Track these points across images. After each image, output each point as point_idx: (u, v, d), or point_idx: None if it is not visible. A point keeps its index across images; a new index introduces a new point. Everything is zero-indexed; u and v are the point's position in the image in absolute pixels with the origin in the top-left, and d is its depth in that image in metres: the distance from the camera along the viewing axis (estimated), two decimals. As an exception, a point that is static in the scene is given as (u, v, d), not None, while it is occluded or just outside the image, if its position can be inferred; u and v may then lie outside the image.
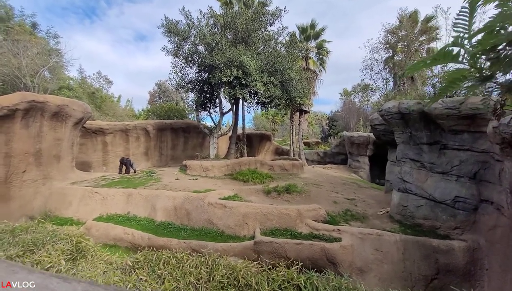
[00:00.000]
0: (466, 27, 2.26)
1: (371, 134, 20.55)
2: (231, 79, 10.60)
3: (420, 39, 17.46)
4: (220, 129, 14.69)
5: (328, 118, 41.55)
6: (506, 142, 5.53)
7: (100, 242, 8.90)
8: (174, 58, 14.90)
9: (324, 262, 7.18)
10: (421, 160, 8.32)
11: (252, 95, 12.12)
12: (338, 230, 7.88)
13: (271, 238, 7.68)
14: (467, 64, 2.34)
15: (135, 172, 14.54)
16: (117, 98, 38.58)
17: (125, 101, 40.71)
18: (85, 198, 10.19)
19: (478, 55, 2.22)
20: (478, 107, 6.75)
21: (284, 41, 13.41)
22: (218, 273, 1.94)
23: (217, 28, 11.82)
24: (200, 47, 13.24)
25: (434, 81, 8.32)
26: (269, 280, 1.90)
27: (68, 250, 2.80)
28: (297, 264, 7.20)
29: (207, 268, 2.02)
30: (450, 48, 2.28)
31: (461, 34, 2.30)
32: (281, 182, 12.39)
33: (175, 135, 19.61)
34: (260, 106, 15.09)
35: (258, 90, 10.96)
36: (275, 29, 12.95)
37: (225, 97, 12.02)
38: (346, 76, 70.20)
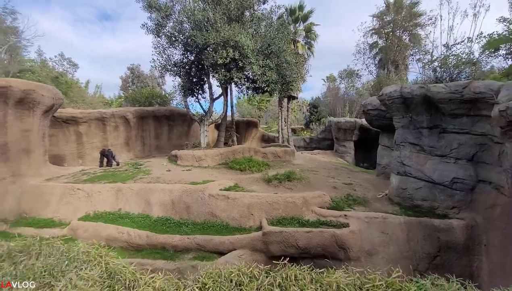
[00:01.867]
0: None
1: (358, 120, 21.05)
2: (227, 61, 9.76)
3: (406, 25, 17.73)
4: (211, 117, 13.87)
5: (309, 104, 41.81)
6: (513, 125, 5.71)
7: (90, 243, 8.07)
8: (155, 37, 13.49)
9: (335, 248, 7.20)
10: (421, 143, 8.52)
11: (246, 80, 11.42)
12: (345, 215, 7.92)
13: (281, 227, 7.49)
14: None
15: (118, 165, 13.37)
16: (85, 83, 34.87)
17: (93, 87, 36.93)
18: (66, 196, 9.09)
19: None
20: (481, 92, 6.92)
21: (275, 22, 12.64)
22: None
23: (207, 4, 10.72)
24: (186, 25, 12.03)
25: (435, 66, 8.37)
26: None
27: (100, 278, 2.14)
28: (307, 253, 7.19)
29: (298, 287, 1.64)
30: None
31: None
32: (277, 169, 12.18)
33: (158, 123, 18.27)
34: (251, 91, 14.41)
35: (255, 74, 10.30)
36: (268, 8, 12.15)
37: (219, 81, 11.13)
38: (326, 62, 70.76)
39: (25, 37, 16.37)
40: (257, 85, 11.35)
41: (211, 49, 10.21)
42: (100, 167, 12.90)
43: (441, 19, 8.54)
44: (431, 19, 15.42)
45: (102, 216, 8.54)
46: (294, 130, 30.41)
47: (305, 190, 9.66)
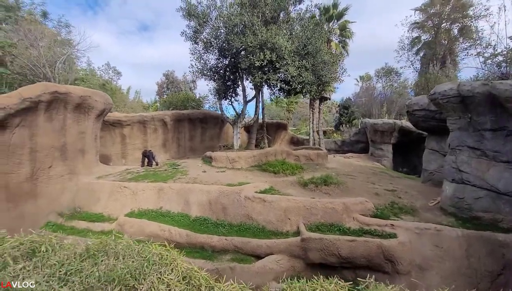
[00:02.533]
0: None
1: (397, 121, 19.62)
2: (265, 63, 9.75)
3: (456, 16, 16.07)
4: (243, 119, 14.00)
5: (339, 105, 40.16)
6: None
7: (134, 238, 8.57)
8: (192, 44, 14.06)
9: (381, 260, 6.68)
10: (482, 148, 7.55)
11: (280, 81, 11.29)
12: (392, 225, 7.32)
13: (321, 234, 7.18)
14: None
15: (157, 165, 14.13)
16: (126, 90, 37.83)
17: (133, 93, 39.90)
18: (114, 193, 9.81)
19: None
20: None
21: (311, 22, 12.30)
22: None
23: (245, 8, 10.86)
24: (222, 30, 12.32)
25: (499, 60, 7.36)
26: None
27: (178, 282, 2.15)
28: (350, 263, 6.78)
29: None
30: None
31: None
32: (311, 173, 11.79)
33: (192, 126, 19.02)
34: (284, 93, 14.25)
35: (291, 75, 10.13)
36: (304, 8, 11.91)
37: (254, 83, 11.16)
38: (357, 61, 67.63)
39: (80, 49, 18.28)
40: (290, 87, 11.13)
41: (248, 52, 10.28)
42: (142, 166, 13.77)
43: (504, 10, 7.50)
44: (488, 9, 13.74)
45: (146, 213, 9.04)
46: (324, 132, 29.43)
47: (343, 196, 9.18)
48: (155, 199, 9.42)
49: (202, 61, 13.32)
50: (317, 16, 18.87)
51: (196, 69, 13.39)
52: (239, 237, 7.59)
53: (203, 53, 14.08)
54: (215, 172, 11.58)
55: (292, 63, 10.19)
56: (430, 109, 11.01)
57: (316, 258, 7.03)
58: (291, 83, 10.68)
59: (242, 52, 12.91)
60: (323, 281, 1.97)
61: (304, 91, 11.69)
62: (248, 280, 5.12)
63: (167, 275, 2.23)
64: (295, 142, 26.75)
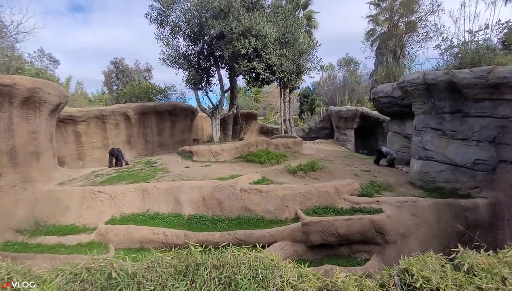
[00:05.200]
0: None
1: (359, 108, 21.48)
2: (250, 51, 9.42)
3: (400, 11, 18.01)
4: (222, 110, 13.52)
5: (299, 94, 41.97)
6: (544, 107, 6.07)
7: (122, 247, 7.76)
8: (158, 28, 12.79)
9: (373, 233, 7.44)
10: (443, 128, 8.86)
11: (265, 70, 11.13)
12: (377, 201, 8.15)
13: (320, 217, 7.60)
14: None
15: (127, 164, 12.78)
16: (65, 81, 32.45)
17: (74, 84, 34.43)
18: (87, 200, 8.59)
19: None
20: (505, 76, 7.24)
21: (291, 9, 12.26)
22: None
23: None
24: (193, 13, 11.42)
25: (455, 52, 8.62)
26: None
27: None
28: (346, 240, 7.40)
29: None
30: None
31: None
32: (293, 160, 12.23)
33: (160, 119, 17.55)
34: (259, 82, 14.14)
35: (273, 64, 10.06)
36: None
37: (240, 72, 10.70)
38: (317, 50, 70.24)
39: (21, 30, 14.48)
40: (273, 76, 11.10)
41: (228, 39, 9.77)
42: (109, 167, 12.28)
43: (464, 6, 8.75)
44: (440, 5, 15.78)
45: (131, 218, 8.20)
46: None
47: (330, 179, 9.81)
48: (140, 202, 8.59)
49: (173, 47, 12.22)
50: (283, 5, 18.98)
51: (167, 56, 12.25)
52: (242, 230, 7.53)
53: (171, 38, 12.94)
54: (199, 166, 11.07)
55: (274, 52, 10.14)
56: (393, 96, 12.36)
57: (317, 239, 7.45)
58: (274, 72, 10.64)
59: (216, 39, 12.26)
60: (427, 256, 2.13)
61: (285, 80, 11.81)
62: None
63: (289, 277, 2.09)
64: (265, 131, 27.15)
